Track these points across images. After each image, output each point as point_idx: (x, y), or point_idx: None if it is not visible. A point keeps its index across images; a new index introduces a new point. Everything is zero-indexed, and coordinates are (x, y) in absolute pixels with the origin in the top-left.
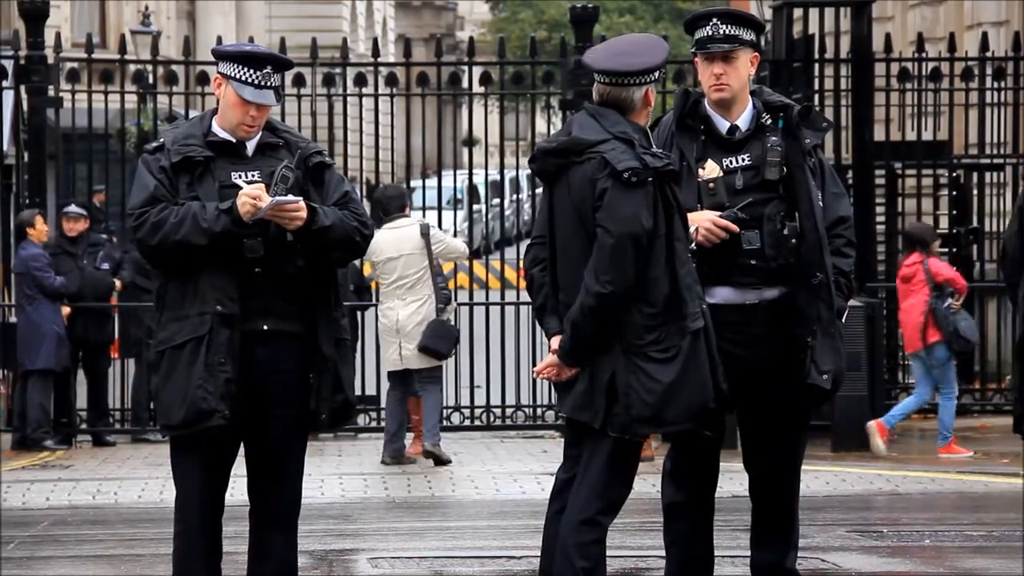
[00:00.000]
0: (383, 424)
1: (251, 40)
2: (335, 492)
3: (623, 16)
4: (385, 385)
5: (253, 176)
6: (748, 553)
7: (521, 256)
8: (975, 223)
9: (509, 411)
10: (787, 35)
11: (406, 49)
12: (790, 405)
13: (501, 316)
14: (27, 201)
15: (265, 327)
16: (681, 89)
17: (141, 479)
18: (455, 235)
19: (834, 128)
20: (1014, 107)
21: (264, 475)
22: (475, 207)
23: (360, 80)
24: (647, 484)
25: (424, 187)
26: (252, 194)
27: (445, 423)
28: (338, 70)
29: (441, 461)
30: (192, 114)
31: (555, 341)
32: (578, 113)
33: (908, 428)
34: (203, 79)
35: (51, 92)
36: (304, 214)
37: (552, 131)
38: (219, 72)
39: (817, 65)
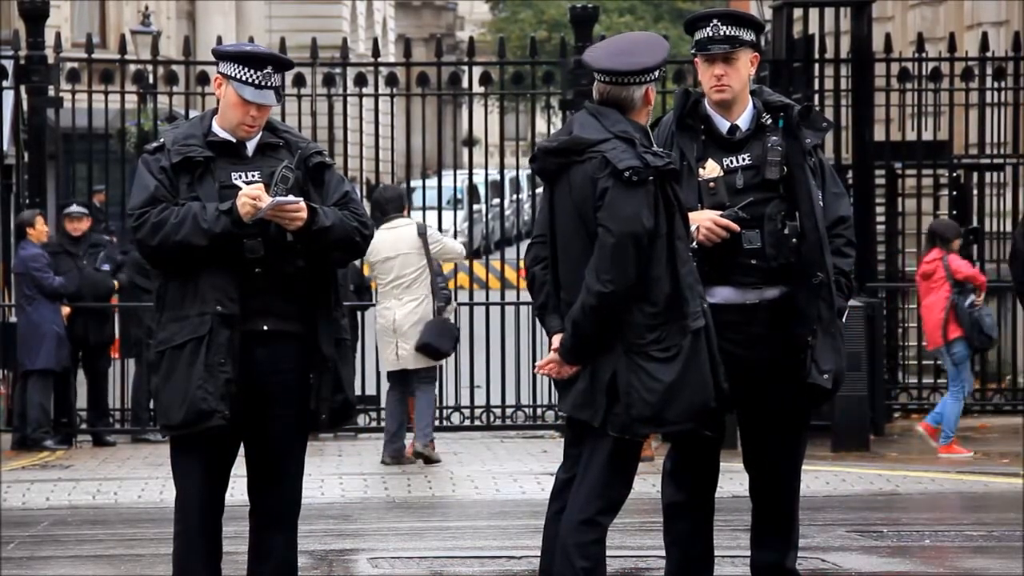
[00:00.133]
0: (383, 424)
1: (251, 40)
2: (335, 492)
3: (623, 16)
4: (385, 385)
5: (253, 176)
6: (748, 553)
7: (521, 256)
8: (975, 223)
9: (509, 411)
10: (787, 35)
11: (406, 49)
12: (790, 405)
13: (501, 316)
14: (27, 201)
15: (265, 327)
16: (681, 89)
17: (141, 479)
18: (455, 235)
19: (834, 128)
20: (1014, 107)
21: (264, 475)
22: (475, 207)
23: (360, 80)
24: (647, 484)
25: (424, 187)
26: (252, 195)
27: (445, 423)
28: (338, 70)
29: (431, 461)
30: (192, 114)
31: (556, 340)
32: (579, 112)
33: (908, 428)
34: (203, 79)
35: (51, 92)
36: (304, 214)
37: (552, 131)
38: (219, 72)
39: (817, 65)
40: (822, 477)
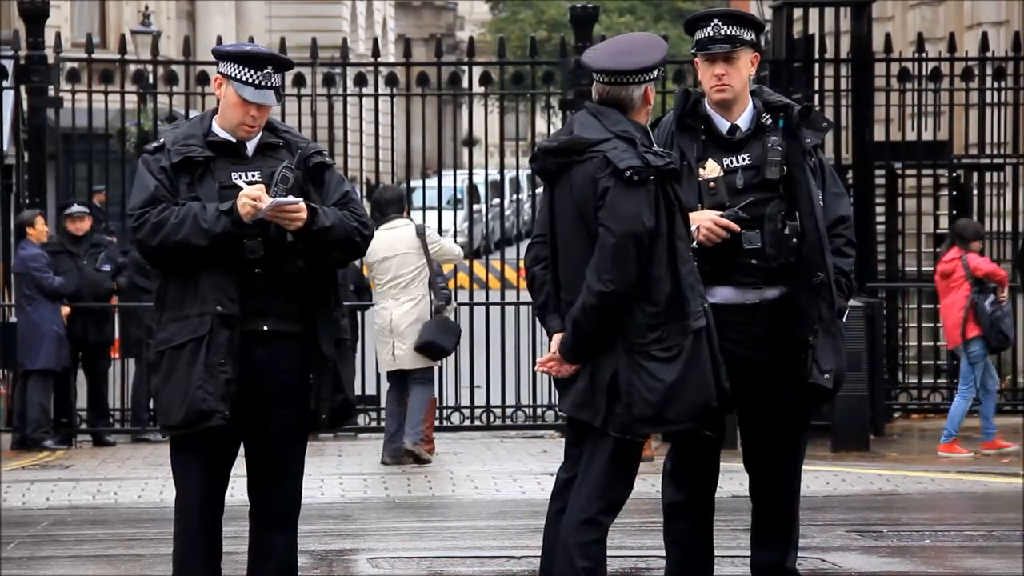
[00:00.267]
0: (383, 424)
1: (251, 40)
2: (335, 492)
3: (623, 16)
4: (385, 385)
5: (253, 176)
6: (748, 553)
7: (521, 256)
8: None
9: (509, 411)
10: (787, 35)
11: (406, 49)
12: (790, 405)
13: (501, 316)
14: (27, 201)
15: (265, 327)
16: (681, 89)
17: (141, 479)
18: (455, 235)
19: (834, 128)
20: (1014, 107)
21: (264, 475)
22: (475, 207)
23: (360, 80)
24: (647, 484)
25: (424, 187)
26: (252, 195)
27: (445, 423)
28: (338, 70)
29: (420, 460)
30: (192, 114)
31: (556, 339)
32: (579, 112)
33: (908, 428)
34: (203, 79)
35: (51, 92)
36: (304, 215)
37: (552, 131)
38: (219, 72)
39: (817, 65)
40: (822, 477)
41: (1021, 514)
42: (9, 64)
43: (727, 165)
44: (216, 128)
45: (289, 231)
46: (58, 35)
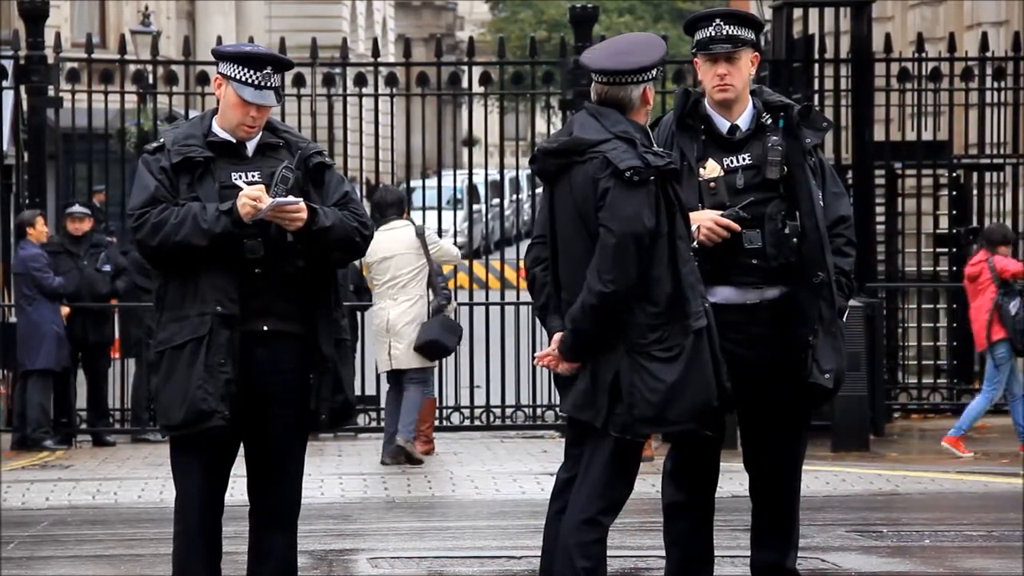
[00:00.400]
0: (383, 424)
1: (251, 40)
2: (335, 492)
3: (623, 16)
4: (385, 385)
5: (253, 176)
6: (748, 553)
7: (521, 256)
8: (975, 223)
9: (509, 411)
10: (787, 35)
11: (406, 49)
12: (791, 405)
13: (501, 316)
14: (27, 201)
15: (265, 327)
16: (681, 89)
17: (141, 479)
18: (455, 235)
19: (834, 128)
20: (1014, 107)
21: (264, 475)
22: (475, 207)
23: (360, 80)
24: (647, 484)
25: (424, 187)
26: (252, 195)
27: (445, 423)
28: (338, 70)
29: (412, 459)
30: (192, 114)
31: (556, 338)
32: (578, 113)
33: (908, 428)
34: (203, 79)
35: (51, 92)
36: (304, 215)
37: (552, 131)
38: (219, 72)
39: (817, 65)
40: (822, 477)
41: (1021, 514)
42: (9, 64)
43: (727, 165)
44: (216, 128)
45: (289, 231)
46: (58, 35)
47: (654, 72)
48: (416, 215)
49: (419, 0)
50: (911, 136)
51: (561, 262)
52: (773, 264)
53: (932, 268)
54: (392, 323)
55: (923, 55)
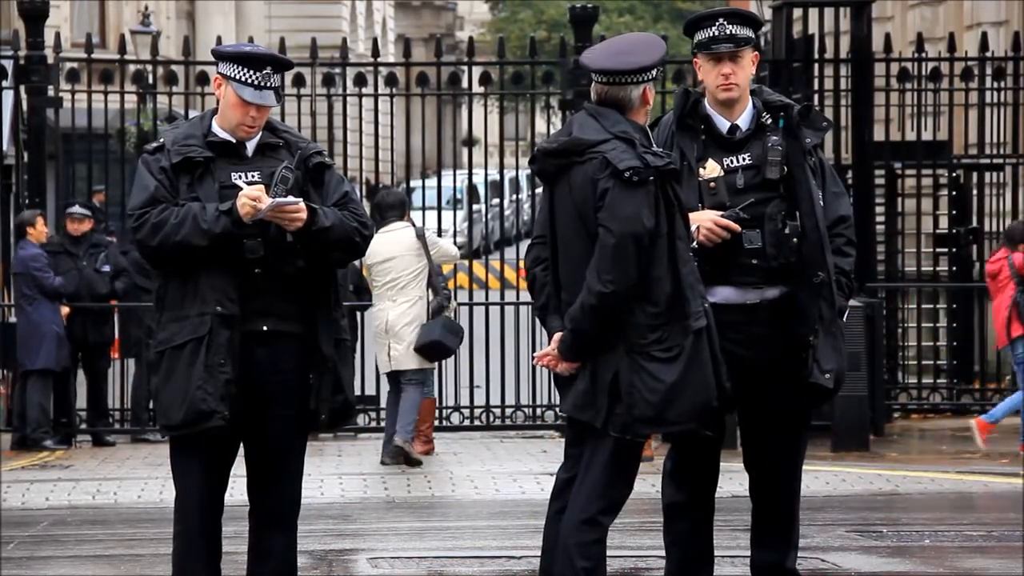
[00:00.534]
0: (383, 424)
1: (251, 40)
2: (335, 492)
3: (623, 16)
4: (385, 385)
5: (253, 177)
6: (748, 553)
7: (521, 256)
8: (975, 223)
9: (509, 411)
10: (787, 35)
11: (406, 49)
12: (791, 405)
13: (501, 316)
14: (27, 201)
15: (265, 328)
16: (681, 89)
17: (141, 479)
18: (454, 235)
19: (834, 128)
20: (1014, 107)
21: (264, 475)
22: (475, 207)
23: (360, 80)
24: (647, 484)
25: (424, 187)
26: (251, 195)
27: (445, 423)
28: (338, 70)
29: (410, 460)
30: (192, 114)
31: (556, 337)
32: (578, 113)
33: (908, 428)
34: (203, 79)
35: (51, 92)
36: (304, 215)
37: (552, 131)
38: (219, 72)
39: (817, 65)
40: (822, 477)
41: (1021, 514)
42: (9, 64)
43: (727, 165)
44: (216, 128)
45: (289, 231)
46: (58, 35)
47: (654, 72)
48: (416, 215)
49: (419, 0)
50: (911, 136)
51: (561, 262)
52: (773, 264)
53: (932, 268)
54: (391, 324)
55: (923, 55)
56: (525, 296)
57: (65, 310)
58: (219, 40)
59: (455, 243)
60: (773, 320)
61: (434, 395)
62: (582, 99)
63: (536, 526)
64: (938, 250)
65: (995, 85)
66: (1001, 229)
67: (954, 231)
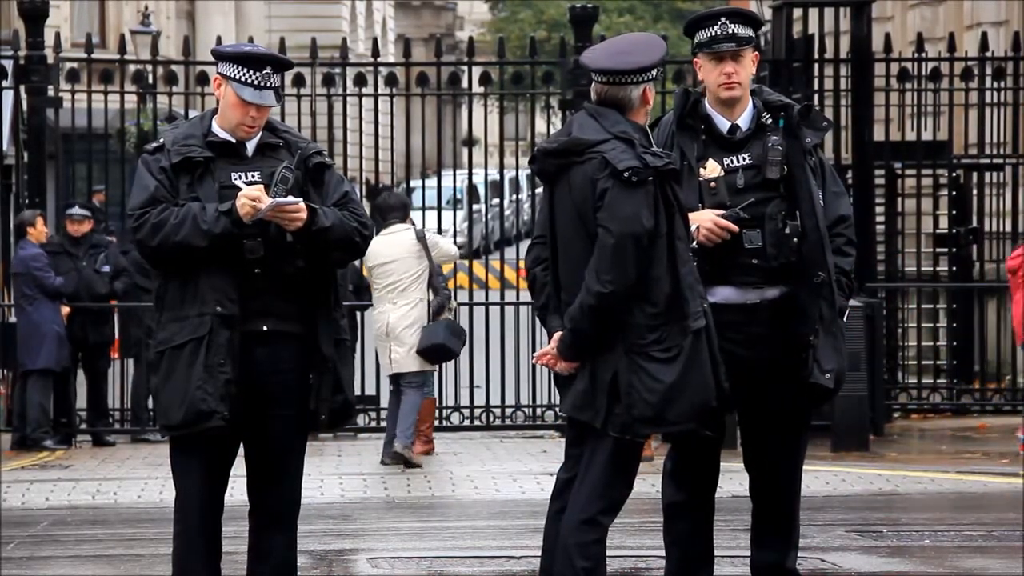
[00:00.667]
0: (383, 424)
1: (251, 40)
2: (335, 492)
3: (623, 16)
4: (384, 385)
5: (253, 177)
6: (748, 553)
7: (521, 256)
8: (975, 223)
9: (509, 411)
10: (787, 35)
11: (406, 49)
12: (791, 405)
13: (501, 316)
14: (27, 201)
15: (265, 328)
16: (681, 89)
17: (141, 479)
18: (455, 235)
19: (834, 128)
20: (1014, 107)
21: (264, 475)
22: (475, 207)
23: (360, 80)
24: (647, 484)
25: (424, 187)
26: (251, 195)
27: (445, 423)
28: (338, 70)
29: (410, 464)
30: (192, 114)
31: (556, 337)
32: (578, 113)
33: (908, 428)
34: (203, 79)
35: (51, 92)
36: (304, 215)
37: (552, 131)
38: (219, 72)
39: (817, 65)
40: (822, 477)
41: (1021, 514)
42: (9, 64)
43: (727, 165)
44: (216, 128)
45: (289, 231)
46: (58, 35)
47: (654, 72)
48: (416, 215)
49: (419, 0)
50: (911, 136)
51: (561, 262)
52: (773, 264)
53: (932, 268)
54: (392, 327)
55: (923, 55)
56: (525, 296)
57: (65, 310)
58: (219, 40)
59: (455, 243)
60: (773, 320)
61: (434, 395)
62: (582, 99)
63: (536, 526)
64: (938, 250)
65: (995, 85)
66: (1001, 229)
67: (954, 231)
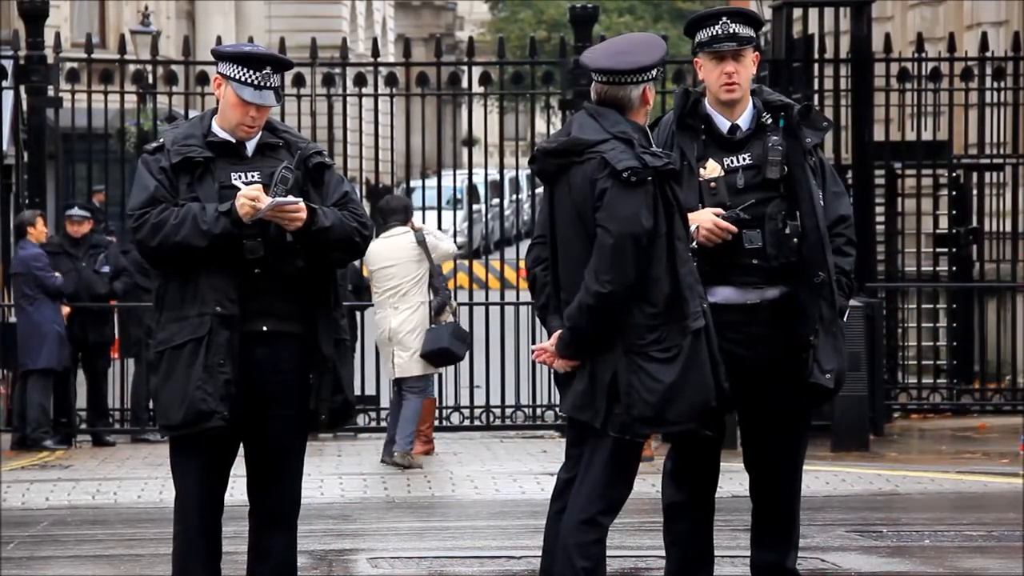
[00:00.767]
0: (383, 424)
1: (251, 40)
2: (335, 492)
3: (623, 16)
4: (385, 384)
5: (253, 177)
6: (748, 553)
7: (521, 256)
8: (975, 223)
9: (509, 411)
10: (787, 35)
11: (406, 49)
12: (791, 405)
13: (501, 316)
14: (27, 201)
15: (265, 328)
16: (681, 89)
17: (141, 479)
18: (455, 235)
19: (834, 128)
20: (1014, 107)
21: (264, 475)
22: (475, 207)
23: (360, 80)
24: (647, 484)
25: (424, 187)
26: (250, 195)
27: (445, 423)
28: (338, 70)
29: (410, 468)
30: (192, 114)
31: (555, 336)
32: (577, 113)
33: (908, 428)
34: (203, 79)
35: (51, 92)
36: (304, 215)
37: (552, 131)
38: (219, 72)
39: (817, 65)
40: (822, 477)
41: (1021, 514)
42: (9, 64)
43: (728, 165)
44: (216, 128)
45: (288, 231)
46: (58, 35)
47: (654, 72)
48: (416, 215)
49: (419, 0)
50: (911, 136)
51: (561, 262)
52: (773, 264)
53: (932, 268)
54: (394, 332)
55: (923, 55)
56: (525, 296)
57: (66, 310)
58: (219, 40)
59: (455, 243)
60: (773, 320)
61: (434, 395)
62: (582, 99)
63: (536, 526)
64: (938, 250)
65: (995, 85)
66: (1001, 229)
67: (954, 231)
